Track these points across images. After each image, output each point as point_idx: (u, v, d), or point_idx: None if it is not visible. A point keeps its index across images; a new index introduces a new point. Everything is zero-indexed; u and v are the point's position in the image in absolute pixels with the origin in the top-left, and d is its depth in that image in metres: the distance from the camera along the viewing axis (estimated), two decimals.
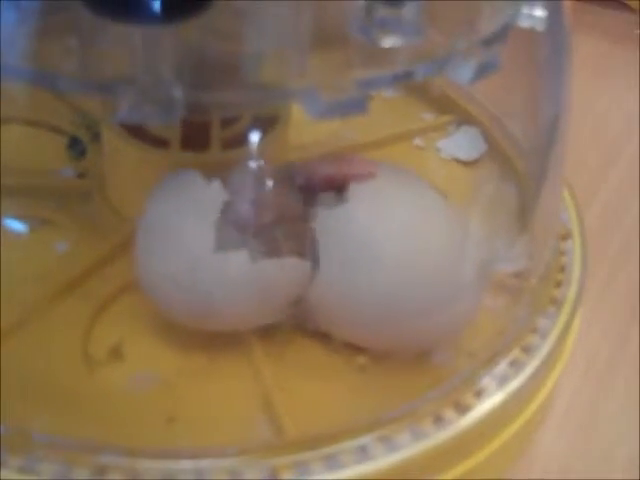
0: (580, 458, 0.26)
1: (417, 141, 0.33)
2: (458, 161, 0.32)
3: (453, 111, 0.33)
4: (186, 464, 0.20)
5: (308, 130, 0.28)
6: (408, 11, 0.20)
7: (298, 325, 0.24)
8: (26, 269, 0.26)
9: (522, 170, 0.28)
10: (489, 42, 0.20)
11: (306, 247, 0.23)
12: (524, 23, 0.22)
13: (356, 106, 0.18)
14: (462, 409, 0.23)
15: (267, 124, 0.27)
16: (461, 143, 0.32)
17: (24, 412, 0.22)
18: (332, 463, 0.21)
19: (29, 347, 0.24)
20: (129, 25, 0.18)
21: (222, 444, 0.21)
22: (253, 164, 0.25)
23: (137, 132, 0.26)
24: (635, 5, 0.48)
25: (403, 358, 0.23)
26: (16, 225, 0.27)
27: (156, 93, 0.17)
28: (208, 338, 0.24)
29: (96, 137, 0.31)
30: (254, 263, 0.22)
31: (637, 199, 0.36)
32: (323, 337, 0.24)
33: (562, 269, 0.27)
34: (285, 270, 0.23)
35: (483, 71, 0.19)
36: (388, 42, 0.20)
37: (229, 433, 0.22)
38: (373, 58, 0.20)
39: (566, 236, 0.28)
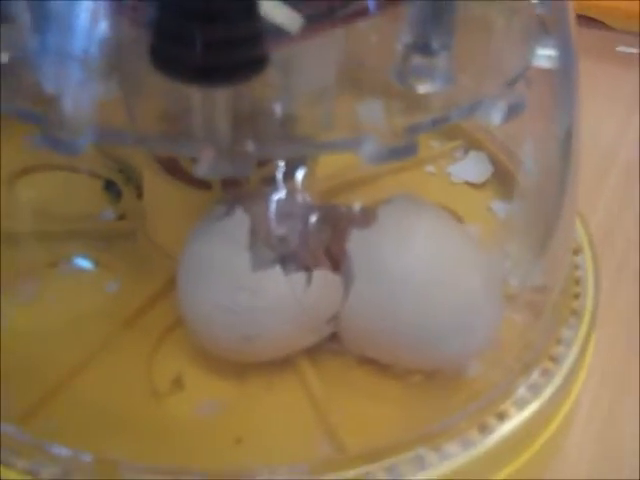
0: (606, 458, 0.28)
1: (428, 168, 0.35)
2: (469, 184, 0.34)
3: (459, 137, 0.36)
4: None
5: (327, 162, 0.30)
6: (441, 59, 0.22)
7: (340, 345, 0.26)
8: (82, 308, 0.28)
9: (529, 189, 0.30)
10: (513, 84, 0.23)
11: (339, 266, 0.25)
12: (539, 62, 0.24)
13: (409, 151, 0.20)
14: (503, 418, 0.25)
15: (298, 161, 0.29)
16: (470, 167, 0.35)
17: (104, 442, 0.24)
18: (394, 473, 0.23)
19: (99, 381, 0.25)
20: (201, 87, 0.20)
21: (288, 462, 0.23)
22: (288, 197, 0.27)
23: (177, 173, 0.28)
24: (613, 23, 0.50)
25: (446, 374, 0.25)
26: (67, 268, 0.29)
27: (232, 149, 0.19)
28: (262, 364, 0.26)
29: (130, 179, 0.33)
30: (290, 283, 0.24)
31: (634, 205, 0.39)
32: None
33: (577, 282, 0.29)
34: (320, 288, 0.25)
35: (512, 112, 0.22)
36: (423, 88, 0.22)
37: (293, 451, 0.24)
38: (410, 104, 0.22)
39: (577, 250, 0.30)
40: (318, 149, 0.21)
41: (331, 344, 0.26)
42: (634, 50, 0.50)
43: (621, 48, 0.50)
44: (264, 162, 0.28)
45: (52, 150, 0.19)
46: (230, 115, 0.20)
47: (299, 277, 0.24)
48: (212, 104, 0.20)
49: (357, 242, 0.25)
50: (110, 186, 0.33)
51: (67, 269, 0.29)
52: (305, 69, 0.21)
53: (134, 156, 0.31)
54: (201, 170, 0.19)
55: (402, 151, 0.20)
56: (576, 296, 0.28)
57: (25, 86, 0.20)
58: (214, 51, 0.19)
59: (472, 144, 0.35)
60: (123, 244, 0.30)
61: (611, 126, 0.44)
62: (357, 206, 0.27)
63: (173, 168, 0.28)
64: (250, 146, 0.19)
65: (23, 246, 0.30)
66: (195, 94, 0.20)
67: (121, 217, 0.31)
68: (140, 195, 0.32)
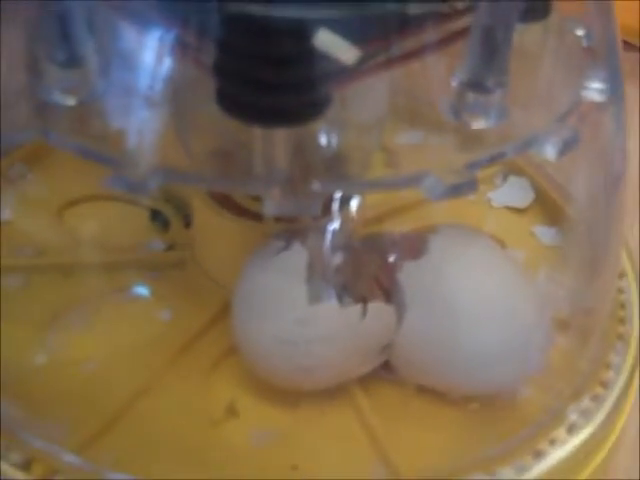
0: None
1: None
2: (509, 209, 0.35)
3: (498, 163, 0.36)
4: None
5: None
6: (496, 96, 0.22)
7: (393, 373, 0.27)
8: (136, 337, 0.28)
9: (577, 217, 0.31)
10: (564, 118, 0.23)
11: (392, 296, 0.26)
12: (589, 95, 0.24)
13: (470, 187, 0.20)
14: (556, 444, 0.25)
15: (348, 195, 0.29)
16: (511, 192, 0.35)
17: (162, 470, 0.24)
18: None
19: (156, 409, 0.26)
20: (265, 128, 0.20)
21: None
22: (342, 231, 0.28)
23: (228, 205, 0.29)
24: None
25: (498, 400, 0.26)
26: (120, 297, 0.30)
27: (300, 188, 0.20)
28: (316, 392, 0.26)
29: (178, 209, 0.33)
30: (344, 313, 0.25)
31: None
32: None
33: (623, 306, 0.30)
34: (374, 319, 0.25)
35: (567, 147, 0.22)
36: (477, 124, 0.22)
37: (348, 476, 0.25)
38: (466, 140, 0.22)
39: (621, 275, 0.31)
40: (381, 186, 0.21)
41: (384, 372, 0.27)
42: None
43: None
44: None
45: (125, 191, 0.20)
46: (291, 155, 0.21)
47: (355, 309, 0.25)
48: (274, 144, 0.21)
49: (408, 272, 0.26)
50: (157, 216, 0.33)
51: (119, 299, 0.30)
52: (362, 106, 0.22)
53: (183, 187, 0.31)
54: (269, 209, 0.19)
55: (463, 187, 0.20)
56: (622, 321, 0.29)
57: (93, 128, 0.21)
58: (278, 94, 0.20)
59: (511, 170, 0.36)
60: (173, 273, 0.31)
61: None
62: (405, 235, 0.27)
63: (224, 200, 0.29)
64: (316, 186, 0.19)
65: (74, 276, 0.30)
66: (258, 134, 0.21)
67: (170, 247, 0.32)
68: (188, 225, 0.32)
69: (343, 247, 0.26)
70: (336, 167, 0.21)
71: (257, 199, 0.28)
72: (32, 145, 0.34)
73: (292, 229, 0.27)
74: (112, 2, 0.22)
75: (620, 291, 0.30)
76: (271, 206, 0.20)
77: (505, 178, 0.36)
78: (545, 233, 0.33)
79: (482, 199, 0.35)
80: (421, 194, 0.33)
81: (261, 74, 0.19)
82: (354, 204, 0.28)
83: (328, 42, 0.20)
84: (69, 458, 0.24)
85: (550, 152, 0.22)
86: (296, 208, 0.20)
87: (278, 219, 0.28)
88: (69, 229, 0.32)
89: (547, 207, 0.34)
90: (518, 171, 0.36)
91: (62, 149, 0.21)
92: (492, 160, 0.21)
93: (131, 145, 0.20)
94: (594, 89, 0.24)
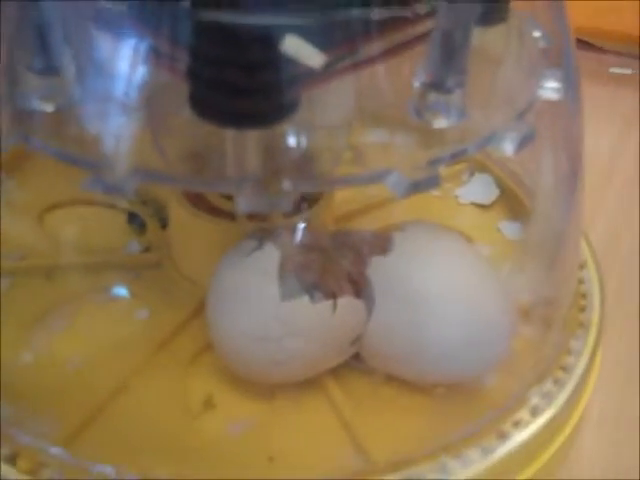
0: (617, 461, 0.30)
1: (435, 192, 0.37)
2: (475, 205, 0.36)
3: (464, 160, 0.37)
4: None
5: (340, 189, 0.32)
6: (456, 96, 0.23)
7: (363, 363, 0.28)
8: (115, 336, 0.29)
9: (538, 210, 0.32)
10: (522, 116, 0.24)
11: (361, 291, 0.27)
12: (545, 94, 0.26)
13: (432, 183, 0.22)
14: (520, 425, 0.26)
15: (317, 194, 0.30)
16: (476, 189, 0.36)
17: (144, 461, 0.25)
18: None
19: (136, 403, 0.27)
20: (237, 129, 0.21)
21: (320, 475, 0.25)
22: (313, 231, 0.29)
23: (202, 205, 0.30)
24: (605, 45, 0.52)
25: (464, 387, 0.27)
26: (98, 298, 0.31)
27: (271, 186, 0.21)
28: (290, 384, 0.28)
29: (154, 212, 0.34)
30: (316, 309, 0.26)
31: (634, 219, 0.40)
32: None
33: (584, 295, 0.31)
34: (345, 313, 0.26)
35: (523, 143, 0.23)
36: (438, 123, 0.24)
37: (323, 466, 0.26)
38: (428, 138, 0.24)
39: (582, 265, 0.32)
40: (348, 183, 0.23)
41: (354, 363, 0.28)
42: (627, 71, 0.52)
43: (614, 69, 0.52)
44: None
45: (104, 192, 0.21)
46: (261, 154, 0.22)
47: (326, 305, 0.26)
48: (245, 145, 0.22)
49: (376, 268, 0.27)
50: (134, 219, 0.34)
51: (99, 299, 0.31)
52: (329, 107, 0.23)
53: (159, 189, 0.32)
54: (241, 207, 0.21)
55: (425, 183, 0.21)
56: (582, 309, 0.30)
57: (71, 133, 0.22)
58: (248, 97, 0.21)
59: (477, 167, 0.37)
60: (150, 274, 0.32)
61: (608, 144, 0.46)
62: (374, 233, 0.28)
63: (199, 201, 0.30)
64: (287, 184, 0.21)
65: (56, 278, 0.31)
66: (229, 136, 0.22)
67: (146, 248, 0.33)
68: (164, 226, 0.33)
69: (313, 246, 0.27)
70: (306, 166, 0.22)
71: (230, 199, 0.29)
72: (10, 153, 0.35)
73: (264, 229, 0.28)
74: (87, 12, 0.23)
75: (581, 281, 0.31)
76: (243, 204, 0.21)
77: (471, 175, 0.37)
78: (510, 228, 0.34)
79: (449, 196, 0.37)
80: (388, 192, 0.35)
81: (231, 79, 0.20)
82: (323, 203, 0.29)
83: (295, 48, 0.21)
84: (55, 451, 0.24)
85: (508, 148, 0.23)
86: (267, 205, 0.21)
87: (251, 218, 0.29)
88: (50, 233, 0.33)
89: (511, 203, 0.36)
90: (483, 168, 0.37)
91: (42, 153, 0.22)
92: (454, 157, 0.23)
93: (108, 148, 0.21)
94: (550, 88, 0.25)
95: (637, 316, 0.35)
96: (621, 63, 0.52)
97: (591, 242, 0.33)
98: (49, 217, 0.34)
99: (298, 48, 0.21)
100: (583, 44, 0.53)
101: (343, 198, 0.33)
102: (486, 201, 0.36)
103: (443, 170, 0.37)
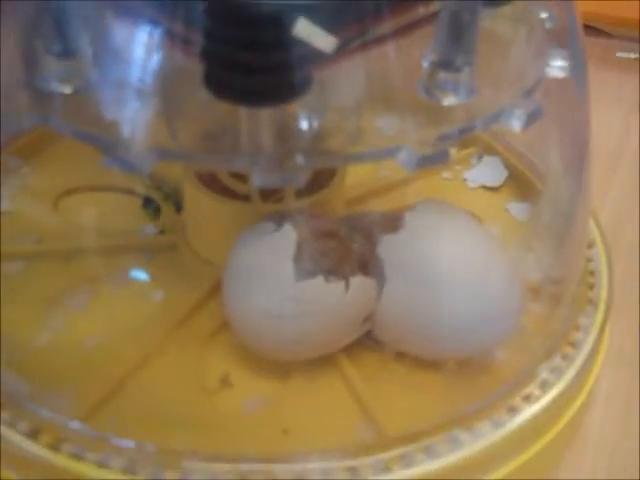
0: (627, 432, 0.30)
1: (445, 174, 0.37)
2: (485, 188, 0.37)
3: (473, 144, 0.38)
4: (312, 465, 0.24)
5: (351, 173, 0.33)
6: (464, 74, 0.24)
7: (375, 341, 0.29)
8: (133, 316, 0.30)
9: (546, 191, 0.33)
10: (530, 93, 0.25)
11: (372, 269, 0.27)
12: (553, 73, 0.26)
13: (441, 158, 0.22)
14: (529, 400, 0.27)
15: (329, 175, 0.31)
16: (485, 172, 0.37)
17: (163, 434, 0.26)
18: (430, 453, 0.25)
19: (155, 380, 0.28)
20: (255, 107, 0.22)
21: (335, 447, 0.25)
22: (328, 215, 0.29)
23: (215, 187, 0.31)
24: (612, 30, 0.53)
25: (475, 362, 0.28)
26: (116, 279, 0.31)
27: (285, 162, 0.21)
28: (304, 362, 0.28)
29: (168, 196, 0.35)
30: (329, 288, 0.26)
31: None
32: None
33: (592, 273, 0.31)
34: (357, 292, 0.27)
35: (531, 119, 0.24)
36: (448, 101, 0.24)
37: (337, 438, 0.26)
38: (438, 115, 0.24)
39: (590, 245, 0.33)
40: (360, 159, 0.23)
41: (367, 341, 0.28)
42: (633, 55, 0.52)
43: (621, 53, 0.52)
44: None
45: (122, 170, 0.21)
46: (275, 133, 0.22)
47: (339, 285, 0.26)
48: (259, 122, 0.22)
49: (387, 246, 0.27)
50: (148, 203, 0.35)
51: (116, 281, 0.31)
52: (340, 87, 0.24)
53: (173, 173, 0.33)
54: (256, 181, 0.21)
55: (435, 158, 0.22)
56: (591, 287, 0.31)
57: (89, 114, 0.23)
58: (262, 76, 0.21)
59: (485, 150, 0.38)
60: (166, 256, 0.32)
61: (614, 127, 0.46)
62: (385, 213, 0.29)
63: (212, 183, 0.31)
64: (300, 159, 0.21)
65: (72, 262, 0.32)
66: (244, 114, 0.22)
67: (161, 231, 0.33)
68: (178, 210, 0.34)
69: (330, 231, 0.28)
70: (319, 143, 0.23)
71: (244, 180, 0.30)
72: (25, 140, 0.36)
73: (282, 212, 0.28)
74: None
75: (589, 260, 0.32)
76: (258, 179, 0.21)
77: (480, 158, 0.37)
78: (518, 209, 0.35)
79: (458, 179, 0.37)
80: (398, 175, 0.35)
81: (245, 58, 0.21)
82: (335, 185, 0.30)
83: (307, 31, 0.22)
84: (75, 425, 0.25)
85: (516, 124, 0.24)
86: (281, 180, 0.21)
87: (265, 199, 0.30)
88: (65, 218, 0.34)
89: (520, 184, 0.36)
90: (491, 151, 0.37)
91: (59, 136, 0.22)
92: (462, 133, 0.23)
93: (125, 129, 0.22)
94: (557, 67, 0.26)
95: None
96: (627, 47, 0.53)
97: (599, 221, 0.34)
98: (64, 203, 0.35)
99: (309, 31, 0.21)
100: (590, 29, 0.53)
101: (354, 181, 0.34)
102: (495, 183, 0.36)
103: (453, 154, 0.38)
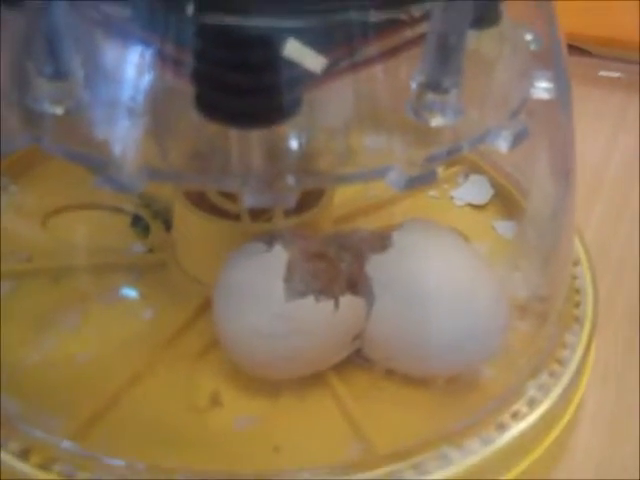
0: (614, 449, 0.30)
1: (432, 192, 0.38)
2: (471, 206, 0.37)
3: (460, 163, 0.38)
4: None
5: (339, 192, 0.33)
6: (451, 96, 0.24)
7: (365, 359, 0.29)
8: (123, 334, 0.30)
9: (532, 209, 0.33)
10: (516, 114, 0.25)
11: (361, 288, 0.28)
12: (537, 94, 0.27)
13: (429, 178, 0.23)
14: (517, 417, 0.27)
15: (318, 195, 0.31)
16: (472, 190, 0.37)
17: (153, 453, 0.26)
18: (420, 470, 0.25)
19: (144, 399, 0.28)
20: (245, 129, 0.22)
21: (325, 465, 0.26)
22: (310, 228, 0.30)
23: (204, 206, 0.31)
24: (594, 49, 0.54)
25: (463, 379, 0.28)
26: (106, 298, 0.31)
27: (275, 182, 0.22)
28: (294, 380, 0.28)
29: (157, 214, 0.35)
30: (319, 307, 0.27)
31: (627, 216, 0.41)
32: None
33: (578, 291, 0.32)
34: (346, 310, 0.27)
35: (518, 140, 0.24)
36: (436, 122, 0.24)
37: (327, 455, 0.26)
38: (426, 136, 0.24)
39: (575, 262, 0.33)
40: (350, 180, 0.23)
41: (357, 359, 0.29)
42: (615, 74, 0.53)
43: (603, 72, 0.53)
44: None
45: (114, 190, 0.21)
46: (265, 153, 0.23)
47: (328, 304, 0.27)
48: (249, 144, 0.22)
49: (375, 265, 0.28)
50: (137, 221, 0.35)
51: (106, 299, 0.31)
52: (329, 109, 0.24)
53: (162, 191, 0.33)
54: (247, 202, 0.21)
55: (423, 178, 0.22)
56: (577, 304, 0.31)
57: (81, 134, 0.23)
58: (252, 97, 0.22)
59: (472, 169, 0.38)
60: (155, 274, 0.32)
61: (598, 145, 0.47)
62: (372, 232, 0.29)
63: (201, 202, 0.31)
64: (290, 180, 0.21)
65: (59, 280, 0.32)
66: (234, 136, 0.22)
67: (150, 249, 0.34)
68: (168, 228, 0.34)
69: (320, 252, 0.28)
70: (308, 164, 0.23)
71: (233, 200, 0.30)
72: (14, 158, 0.36)
73: (273, 232, 0.29)
74: (93, 17, 0.24)
75: (575, 277, 0.32)
76: (249, 199, 0.21)
77: (466, 177, 0.38)
78: (505, 227, 0.35)
79: (445, 197, 0.37)
80: (386, 194, 0.36)
81: (235, 80, 0.21)
82: (323, 204, 0.30)
83: (296, 52, 0.22)
84: (66, 445, 0.25)
85: (502, 145, 0.24)
86: (272, 201, 0.21)
87: (254, 218, 0.30)
88: (54, 236, 0.34)
89: (506, 202, 0.37)
90: (478, 170, 0.38)
91: (53, 154, 0.23)
92: (450, 154, 0.23)
93: (116, 149, 0.22)
94: (542, 88, 0.26)
95: (631, 312, 0.36)
96: (609, 67, 0.53)
97: (584, 239, 0.34)
98: (53, 221, 0.35)
99: (299, 52, 0.22)
100: (573, 49, 0.54)
101: (342, 200, 0.34)
102: (481, 201, 0.37)
103: (440, 172, 0.38)
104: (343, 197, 0.34)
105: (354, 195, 0.36)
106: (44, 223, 0.35)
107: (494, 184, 0.37)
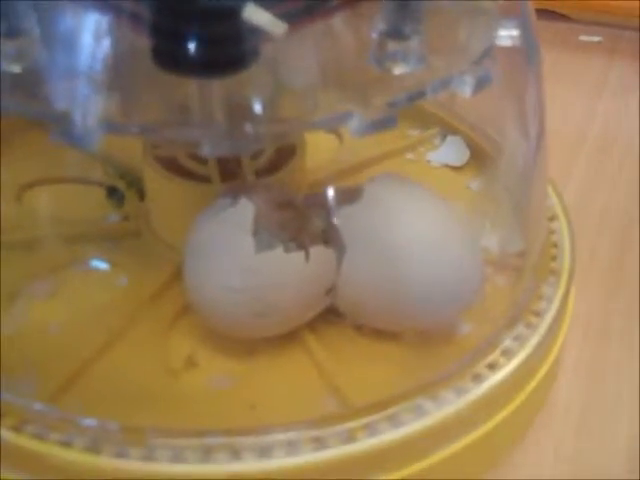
0: (594, 400, 0.30)
1: (409, 155, 0.38)
2: (448, 167, 0.37)
3: (436, 125, 0.38)
4: (278, 437, 0.25)
5: (314, 154, 0.33)
6: (412, 44, 0.24)
7: (338, 314, 0.29)
8: (98, 301, 0.30)
9: (503, 164, 0.33)
10: (479, 61, 0.25)
11: (332, 239, 0.27)
12: (502, 42, 0.26)
13: (389, 122, 0.22)
14: (494, 368, 0.27)
15: (288, 155, 0.31)
16: (448, 152, 0.37)
17: (128, 414, 0.26)
18: (396, 422, 0.25)
19: (120, 363, 0.28)
20: (198, 78, 0.22)
21: (301, 420, 0.25)
22: (285, 188, 0.29)
23: (176, 170, 0.31)
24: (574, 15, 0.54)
25: (437, 332, 0.28)
26: (80, 267, 0.31)
27: (235, 131, 0.21)
28: (268, 339, 0.28)
29: (132, 184, 0.35)
30: (289, 259, 0.26)
31: (606, 173, 0.41)
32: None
33: (554, 245, 0.32)
34: (317, 263, 0.27)
35: (480, 85, 0.24)
36: (399, 70, 0.24)
37: (303, 411, 0.26)
38: (389, 85, 0.24)
39: (553, 218, 0.33)
40: (310, 126, 0.23)
41: (329, 315, 0.28)
42: (595, 38, 0.53)
43: (583, 37, 0.53)
44: (257, 155, 0.31)
45: (68, 144, 0.21)
46: (226, 103, 0.22)
47: (299, 255, 0.26)
48: (209, 94, 0.22)
49: (345, 217, 0.27)
50: (113, 193, 0.35)
51: (80, 269, 0.31)
52: (294, 58, 0.24)
53: (135, 159, 0.33)
54: (207, 151, 0.21)
55: (383, 122, 0.22)
56: (553, 258, 0.31)
57: (39, 93, 0.23)
58: (208, 47, 0.22)
59: (449, 131, 0.38)
60: (129, 243, 0.32)
61: (580, 108, 0.47)
62: (344, 186, 0.29)
63: (172, 166, 0.31)
64: (248, 127, 0.21)
65: (34, 252, 0.32)
66: (193, 85, 0.22)
67: (125, 219, 0.33)
68: (142, 197, 0.34)
69: (287, 203, 0.28)
70: (270, 112, 0.23)
71: (203, 162, 0.30)
72: None
73: (239, 186, 0.28)
74: None
75: (552, 232, 0.32)
76: (208, 148, 0.21)
77: (443, 139, 0.38)
78: (480, 187, 0.35)
79: (422, 160, 0.37)
80: (362, 157, 0.36)
81: (192, 30, 0.21)
82: (295, 163, 0.30)
83: (255, 16, 0.22)
84: (38, 407, 0.25)
85: (466, 90, 0.24)
86: (232, 148, 0.21)
87: (224, 179, 0.30)
88: (29, 209, 0.34)
89: (483, 163, 0.36)
90: (455, 131, 0.38)
91: (10, 112, 0.22)
92: (412, 99, 0.23)
93: (73, 104, 0.22)
94: (506, 36, 0.26)
95: (612, 267, 0.36)
96: (590, 31, 0.53)
97: (563, 196, 0.34)
98: (28, 195, 0.35)
99: (258, 16, 0.22)
100: (553, 14, 0.54)
101: (317, 165, 0.34)
102: (458, 163, 0.36)
103: (416, 135, 0.38)
104: (317, 162, 0.34)
105: (329, 159, 0.35)
106: (19, 197, 0.35)
107: (471, 145, 0.37)
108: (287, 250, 0.26)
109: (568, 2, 0.53)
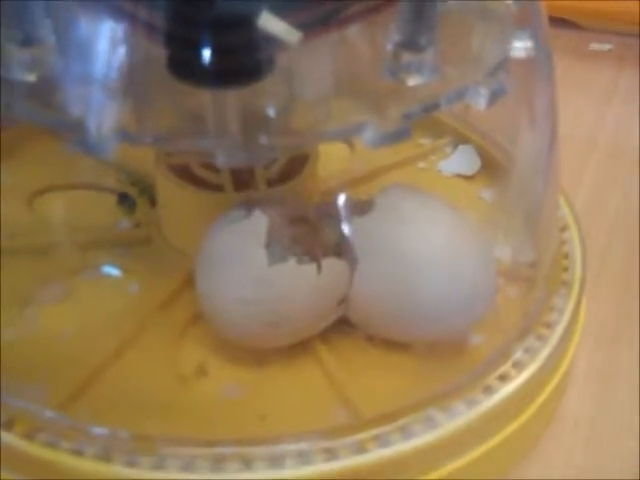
0: (604, 411, 0.30)
1: (420, 164, 0.38)
2: (460, 176, 0.37)
3: (448, 134, 0.38)
4: (288, 447, 0.24)
5: (326, 164, 0.33)
6: (428, 54, 0.24)
7: (350, 324, 0.29)
8: (109, 307, 0.30)
9: (516, 174, 0.33)
10: (494, 72, 0.25)
11: (344, 251, 0.27)
12: (516, 54, 0.26)
13: (403, 134, 0.22)
14: (505, 379, 0.27)
15: (301, 164, 0.31)
16: (459, 161, 0.37)
17: (138, 423, 0.26)
18: (406, 433, 0.25)
19: (131, 371, 0.28)
20: (218, 89, 0.22)
21: (311, 430, 0.25)
22: (299, 201, 0.29)
23: (188, 178, 0.31)
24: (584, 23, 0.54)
25: (449, 343, 0.28)
26: (92, 274, 0.31)
27: (247, 141, 0.21)
28: (280, 348, 0.28)
29: (143, 191, 0.35)
30: (302, 271, 0.26)
31: (616, 182, 0.41)
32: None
33: (566, 256, 0.32)
34: (329, 273, 0.27)
35: (495, 97, 0.24)
36: (413, 81, 0.24)
37: (313, 421, 0.26)
38: (403, 96, 0.24)
39: (564, 228, 0.33)
40: (324, 137, 0.23)
41: (342, 325, 0.28)
42: (605, 47, 0.53)
43: (594, 45, 0.53)
44: (270, 164, 0.31)
45: (85, 153, 0.21)
46: (241, 114, 0.22)
47: (311, 267, 0.26)
48: (223, 104, 0.22)
49: (357, 228, 0.27)
50: (124, 199, 0.35)
51: (91, 275, 0.31)
52: (309, 69, 0.24)
53: (147, 167, 0.33)
54: (221, 161, 0.21)
55: (398, 134, 0.22)
56: (565, 269, 0.31)
57: (54, 101, 0.23)
58: (221, 57, 0.22)
59: (460, 140, 0.38)
60: (141, 249, 0.32)
61: (590, 116, 0.47)
62: (356, 198, 0.29)
63: (185, 174, 0.31)
64: (263, 139, 0.21)
65: (45, 257, 0.32)
66: (207, 95, 0.22)
67: (136, 226, 0.33)
68: (153, 204, 0.34)
69: (301, 217, 0.28)
70: (284, 123, 0.23)
71: (216, 171, 0.30)
72: None
73: (253, 199, 0.28)
74: None
75: (563, 243, 0.32)
76: (222, 158, 0.21)
77: (454, 148, 0.38)
78: (492, 196, 0.35)
79: (433, 169, 0.37)
80: (374, 165, 0.36)
81: (207, 39, 0.21)
82: (307, 172, 0.30)
83: (270, 25, 0.22)
84: (50, 415, 0.25)
85: (480, 102, 0.24)
86: (245, 159, 0.21)
87: (237, 188, 0.30)
88: (40, 215, 0.34)
89: (494, 172, 0.36)
90: (466, 141, 0.38)
91: (25, 120, 0.22)
92: (426, 110, 0.23)
93: (89, 114, 0.22)
94: (520, 48, 0.26)
95: (624, 277, 0.36)
96: (600, 39, 0.53)
97: (575, 206, 0.34)
98: (39, 201, 0.35)
99: (273, 25, 0.22)
100: (564, 22, 0.54)
101: (328, 174, 0.34)
102: (469, 172, 0.36)
103: (427, 144, 0.38)
104: (329, 170, 0.34)
105: (341, 168, 0.35)
106: (30, 203, 0.35)
107: (482, 154, 0.37)
108: (299, 262, 0.26)
109: (579, 10, 0.53)
